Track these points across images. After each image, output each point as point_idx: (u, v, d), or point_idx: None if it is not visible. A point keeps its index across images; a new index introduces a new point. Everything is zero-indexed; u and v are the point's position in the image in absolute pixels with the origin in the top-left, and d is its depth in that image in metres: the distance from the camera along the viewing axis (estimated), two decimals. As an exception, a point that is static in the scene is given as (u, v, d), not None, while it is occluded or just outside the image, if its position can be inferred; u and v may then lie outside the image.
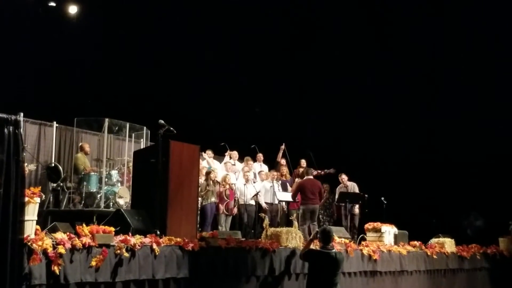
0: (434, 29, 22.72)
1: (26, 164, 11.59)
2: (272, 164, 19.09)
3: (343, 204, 17.67)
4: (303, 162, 19.15)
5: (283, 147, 19.06)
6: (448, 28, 22.42)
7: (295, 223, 13.47)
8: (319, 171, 18.40)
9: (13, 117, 7.86)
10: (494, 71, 22.01)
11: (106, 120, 16.71)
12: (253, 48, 22.91)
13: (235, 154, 18.41)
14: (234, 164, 18.13)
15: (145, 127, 17.51)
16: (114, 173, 16.52)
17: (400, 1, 22.59)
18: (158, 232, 10.52)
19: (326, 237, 11.14)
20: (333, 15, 23.05)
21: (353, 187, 18.36)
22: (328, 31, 23.15)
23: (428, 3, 22.66)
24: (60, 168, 16.21)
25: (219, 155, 18.67)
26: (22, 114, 8.02)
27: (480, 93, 22.22)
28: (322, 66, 23.21)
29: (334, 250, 11.24)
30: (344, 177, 18.48)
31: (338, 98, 23.22)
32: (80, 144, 17.00)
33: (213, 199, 16.01)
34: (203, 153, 17.68)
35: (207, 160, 17.49)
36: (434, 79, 23.25)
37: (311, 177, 16.93)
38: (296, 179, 18.39)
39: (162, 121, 12.04)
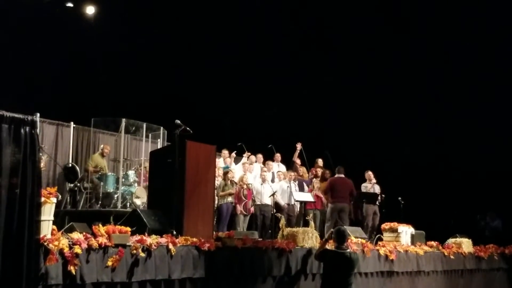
0: (451, 34, 22.73)
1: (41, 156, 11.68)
2: (289, 164, 19.07)
3: (362, 204, 17.66)
4: (320, 162, 19.13)
5: (299, 146, 18.99)
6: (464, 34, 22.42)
7: (312, 223, 13.48)
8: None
9: (29, 118, 7.89)
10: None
11: (123, 120, 16.74)
12: (270, 48, 22.92)
13: (253, 157, 18.42)
14: (251, 163, 18.12)
15: (162, 127, 17.54)
16: (131, 173, 16.57)
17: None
18: (174, 232, 10.50)
19: (340, 237, 11.17)
20: (349, 14, 23.02)
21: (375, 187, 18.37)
22: (344, 31, 23.11)
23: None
24: (77, 168, 16.30)
25: (236, 155, 18.66)
26: (38, 114, 8.03)
27: (499, 93, 22.17)
28: (339, 66, 23.19)
29: (348, 250, 11.27)
30: (370, 174, 18.42)
31: (355, 97, 23.22)
32: (101, 146, 17.10)
33: (229, 199, 16.03)
34: (228, 152, 17.84)
35: (224, 160, 17.50)
36: (452, 78, 23.17)
37: (343, 175, 16.94)
38: (314, 179, 18.37)
39: (178, 121, 12.04)
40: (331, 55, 23.30)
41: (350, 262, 11.05)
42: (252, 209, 16.63)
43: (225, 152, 17.96)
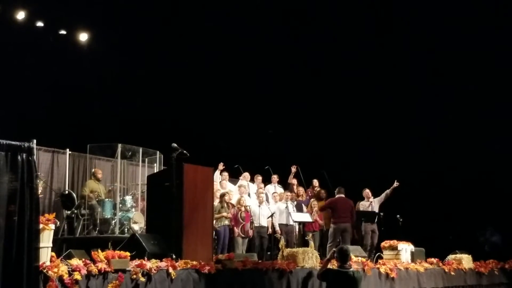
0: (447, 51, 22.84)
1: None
2: (286, 186, 19.01)
3: (361, 222, 17.61)
4: (316, 182, 19.10)
5: (294, 169, 18.96)
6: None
7: (311, 243, 13.47)
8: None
9: (26, 144, 7.86)
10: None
11: (119, 145, 16.71)
12: (266, 70, 22.94)
13: (247, 175, 18.33)
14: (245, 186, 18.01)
15: (158, 152, 17.50)
16: (128, 198, 16.50)
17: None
18: (174, 256, 10.47)
19: (343, 256, 11.09)
20: (344, 38, 23.11)
21: (374, 203, 18.32)
22: (340, 53, 23.16)
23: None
24: (74, 195, 16.22)
25: (233, 177, 18.58)
26: (35, 141, 8.01)
27: (496, 108, 22.23)
28: (334, 87, 23.24)
29: (351, 269, 11.17)
30: (368, 192, 18.39)
31: (351, 116, 23.25)
32: (92, 170, 17.02)
33: (226, 222, 15.90)
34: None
35: (221, 183, 17.37)
36: (447, 95, 23.23)
37: (343, 195, 16.89)
38: (311, 200, 18.31)
39: (175, 145, 12.04)
40: (326, 76, 23.35)
41: (354, 281, 10.98)
42: (250, 232, 16.51)
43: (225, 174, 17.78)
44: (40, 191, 13.25)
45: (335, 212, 16.62)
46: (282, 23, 23.27)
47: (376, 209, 18.14)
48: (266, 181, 18.62)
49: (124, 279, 9.01)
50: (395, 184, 18.27)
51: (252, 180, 18.34)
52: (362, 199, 18.37)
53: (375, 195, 18.40)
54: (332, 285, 11.17)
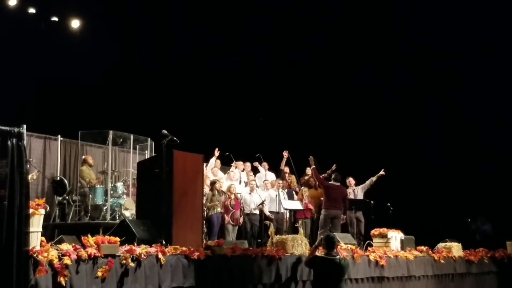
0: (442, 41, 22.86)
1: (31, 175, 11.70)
2: (278, 173, 19.02)
3: (349, 210, 17.62)
4: (308, 171, 19.08)
5: (286, 154, 18.92)
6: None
7: (301, 230, 13.50)
8: (324, 174, 18.18)
9: (16, 130, 7.88)
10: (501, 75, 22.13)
11: (110, 132, 16.79)
12: (256, 57, 22.94)
13: (240, 164, 18.36)
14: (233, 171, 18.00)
15: (149, 139, 17.56)
16: (120, 185, 16.57)
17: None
18: (164, 242, 10.52)
19: (330, 244, 11.15)
20: (332, 20, 23.09)
21: (358, 191, 18.35)
22: (328, 39, 23.15)
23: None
24: (66, 181, 16.29)
25: (224, 165, 18.60)
26: (24, 126, 8.03)
27: (486, 98, 22.27)
28: (324, 74, 23.25)
29: (338, 256, 11.24)
30: (351, 180, 18.43)
31: (342, 104, 23.28)
32: (83, 157, 17.06)
33: (219, 209, 15.95)
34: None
35: (213, 170, 17.38)
36: (440, 84, 23.25)
37: (339, 183, 16.91)
38: (302, 188, 18.35)
39: (165, 131, 12.07)
40: (316, 63, 23.37)
41: (340, 268, 11.05)
42: (240, 219, 16.57)
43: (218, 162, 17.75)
44: (34, 177, 13.39)
45: (328, 197, 16.63)
46: (269, 14, 23.26)
47: (360, 197, 18.17)
48: (257, 168, 18.67)
49: (114, 264, 9.04)
50: (382, 172, 18.33)
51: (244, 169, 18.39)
52: (347, 187, 18.40)
53: (362, 182, 18.46)
54: (319, 272, 11.25)
